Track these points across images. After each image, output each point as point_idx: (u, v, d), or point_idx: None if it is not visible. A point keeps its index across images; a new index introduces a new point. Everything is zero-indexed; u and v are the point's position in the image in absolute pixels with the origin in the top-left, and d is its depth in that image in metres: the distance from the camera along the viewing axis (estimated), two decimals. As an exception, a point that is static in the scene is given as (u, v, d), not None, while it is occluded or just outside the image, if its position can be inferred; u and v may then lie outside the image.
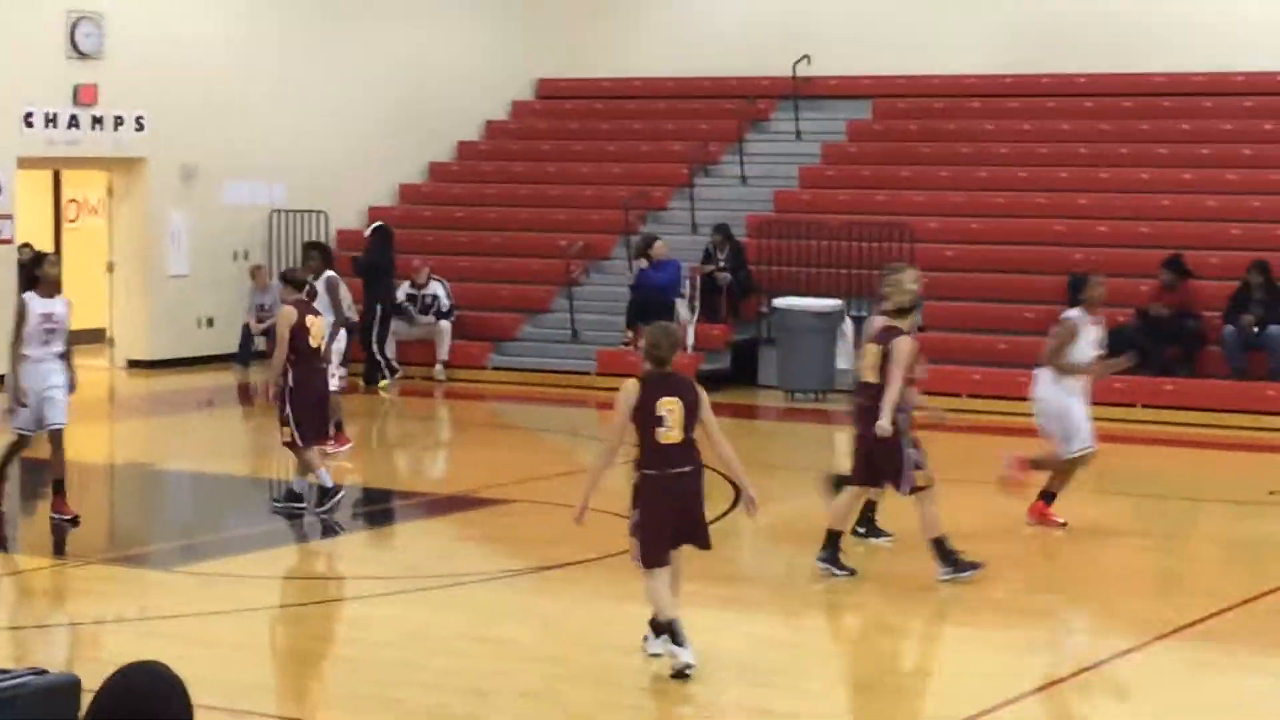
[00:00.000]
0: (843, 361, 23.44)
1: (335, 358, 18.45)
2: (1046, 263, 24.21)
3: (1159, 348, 21.95)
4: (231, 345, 25.97)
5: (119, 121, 25.42)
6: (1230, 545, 15.16)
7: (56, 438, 14.84)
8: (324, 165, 27.63)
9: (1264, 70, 26.47)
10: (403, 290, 25.55)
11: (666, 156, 28.11)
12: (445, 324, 25.46)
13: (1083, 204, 25.15)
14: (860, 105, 28.49)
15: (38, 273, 14.99)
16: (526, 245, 27.12)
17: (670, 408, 10.35)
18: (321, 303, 18.54)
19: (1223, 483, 17.81)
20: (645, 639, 10.70)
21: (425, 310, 25.56)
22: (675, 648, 10.34)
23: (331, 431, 18.16)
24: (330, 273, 18.57)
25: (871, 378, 12.91)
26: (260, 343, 26.51)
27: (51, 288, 14.87)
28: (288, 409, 15.30)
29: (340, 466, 18.10)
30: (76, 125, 25.02)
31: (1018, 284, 24.10)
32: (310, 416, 15.41)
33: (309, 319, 15.48)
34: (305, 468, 15.41)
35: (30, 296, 14.85)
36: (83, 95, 24.95)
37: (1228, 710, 10.34)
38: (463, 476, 17.78)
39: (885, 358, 12.77)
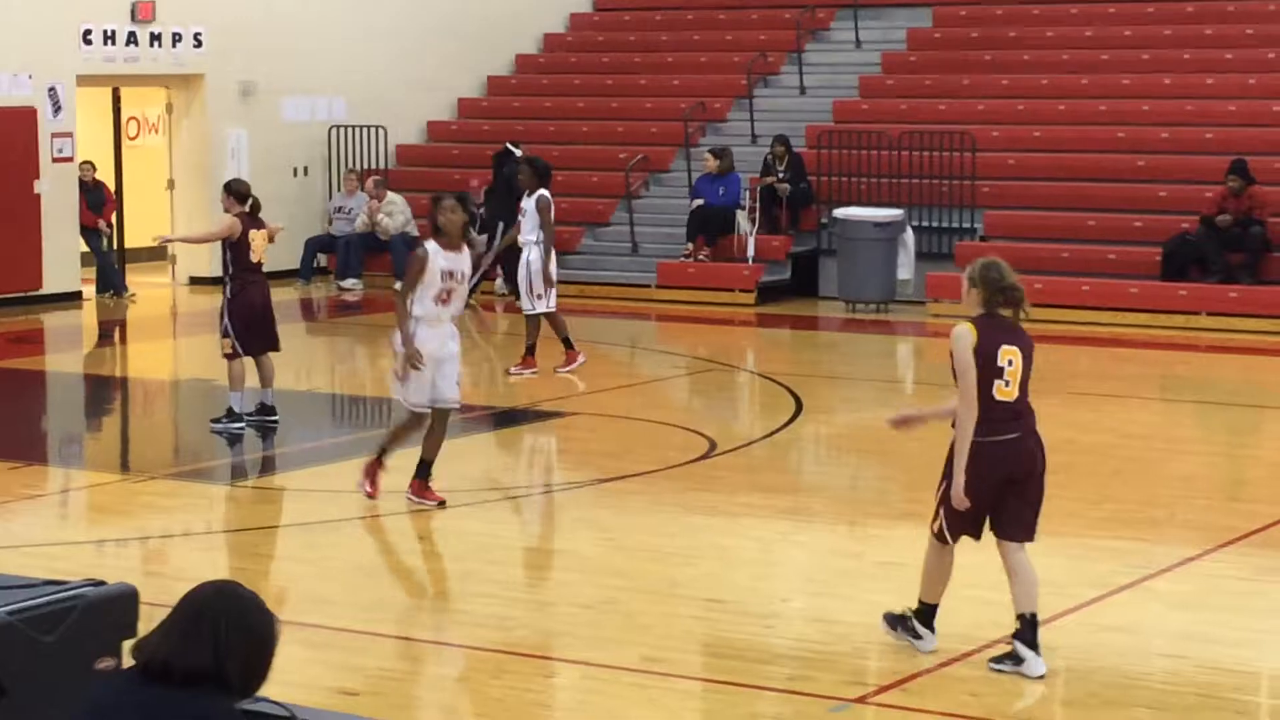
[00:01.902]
0: (903, 272, 23.36)
1: (544, 284, 18.18)
2: (1108, 170, 24.07)
3: (1223, 254, 21.81)
4: (293, 261, 25.99)
5: (177, 38, 25.41)
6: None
7: (444, 417, 12.75)
8: (382, 80, 27.58)
9: (1330, -27, 26.15)
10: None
11: (725, 67, 27.96)
12: (511, 237, 25.32)
13: (1145, 111, 24.92)
14: (920, 13, 28.26)
15: (439, 222, 12.48)
16: (586, 158, 27.06)
17: (1011, 358, 8.86)
18: (530, 221, 18.33)
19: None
20: (906, 620, 9.41)
21: (483, 230, 25.38)
22: (921, 628, 9.26)
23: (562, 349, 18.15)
24: (543, 191, 18.27)
25: None
26: (322, 259, 26.63)
27: (454, 239, 12.54)
28: (226, 320, 15.32)
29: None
30: (135, 42, 25.03)
31: (1080, 192, 23.95)
32: (249, 328, 15.32)
33: (252, 232, 15.37)
34: (234, 381, 15.33)
35: (432, 248, 12.46)
36: (140, 12, 24.95)
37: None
38: (523, 389, 17.80)
39: None
